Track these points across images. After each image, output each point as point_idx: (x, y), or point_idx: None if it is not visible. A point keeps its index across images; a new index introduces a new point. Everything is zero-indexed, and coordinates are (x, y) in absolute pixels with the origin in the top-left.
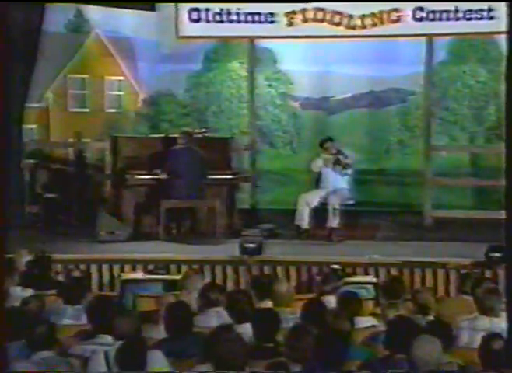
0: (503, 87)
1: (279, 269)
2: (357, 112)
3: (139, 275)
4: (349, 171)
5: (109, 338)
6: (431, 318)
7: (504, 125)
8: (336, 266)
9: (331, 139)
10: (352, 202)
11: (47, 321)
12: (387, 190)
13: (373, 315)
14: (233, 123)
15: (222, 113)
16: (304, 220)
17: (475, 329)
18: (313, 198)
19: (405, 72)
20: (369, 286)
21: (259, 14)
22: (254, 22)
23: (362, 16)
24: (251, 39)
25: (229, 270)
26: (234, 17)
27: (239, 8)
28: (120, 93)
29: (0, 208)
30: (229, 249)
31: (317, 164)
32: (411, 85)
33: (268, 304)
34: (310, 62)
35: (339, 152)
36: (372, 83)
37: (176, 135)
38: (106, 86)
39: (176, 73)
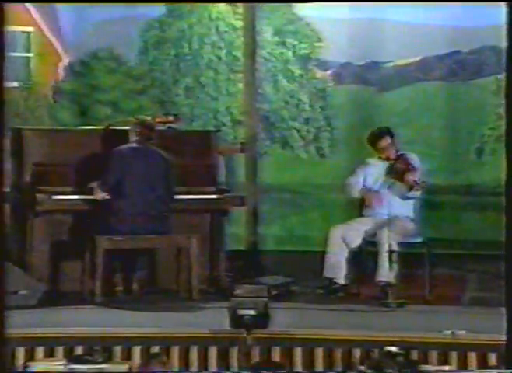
0: None
1: (297, 351)
2: (428, 87)
3: (59, 364)
4: (419, 192)
5: None
6: None
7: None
8: (393, 349)
9: (389, 132)
10: (419, 240)
11: None
12: (478, 221)
13: None
14: (220, 106)
15: (201, 89)
16: (340, 269)
17: None
18: (356, 233)
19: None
20: None
21: None
22: None
23: None
24: None
25: (213, 353)
26: None
27: None
28: (29, 55)
29: None
30: (214, 319)
31: (361, 178)
32: None
33: None
34: (349, 4)
35: (401, 157)
36: (454, 38)
37: (124, 127)
38: (5, 43)
39: (122, 22)
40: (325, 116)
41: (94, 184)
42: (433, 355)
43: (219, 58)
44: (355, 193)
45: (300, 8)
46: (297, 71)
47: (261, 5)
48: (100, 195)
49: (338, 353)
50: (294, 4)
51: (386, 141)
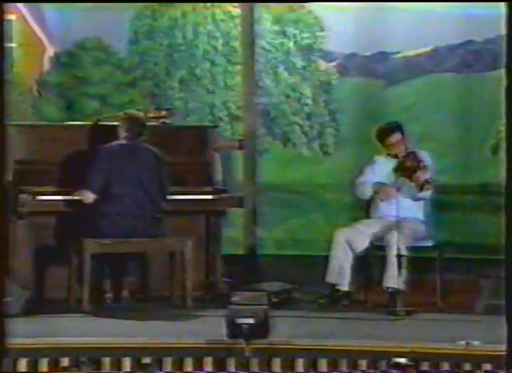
0: None
1: (299, 363)
2: (440, 79)
3: None
4: (429, 191)
5: None
6: None
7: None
8: (403, 360)
9: (400, 128)
10: (430, 244)
11: None
12: (494, 223)
13: None
14: (217, 100)
15: (196, 82)
16: (343, 275)
17: None
18: (362, 237)
19: None
20: None
21: None
22: None
23: None
24: None
25: (209, 364)
26: None
27: None
28: (12, 45)
29: None
30: (210, 328)
31: (370, 177)
32: None
33: None
34: None
35: (411, 154)
36: (467, 27)
37: (113, 122)
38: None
39: (111, 9)
40: (329, 110)
41: (79, 187)
42: (445, 367)
43: (216, 49)
44: (368, 193)
45: None
46: (299, 63)
47: None
48: (88, 197)
49: (343, 365)
50: None
51: (396, 137)
